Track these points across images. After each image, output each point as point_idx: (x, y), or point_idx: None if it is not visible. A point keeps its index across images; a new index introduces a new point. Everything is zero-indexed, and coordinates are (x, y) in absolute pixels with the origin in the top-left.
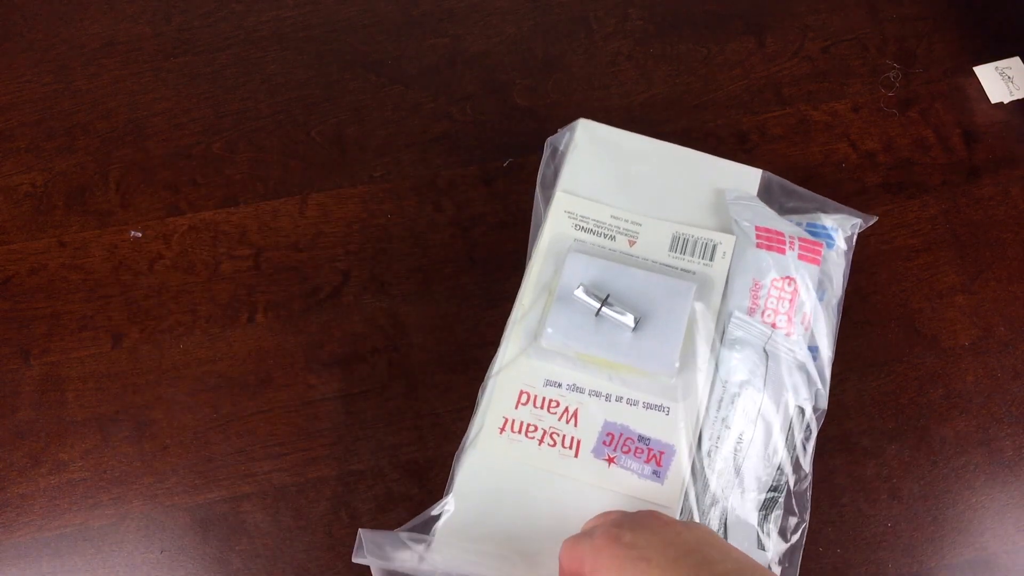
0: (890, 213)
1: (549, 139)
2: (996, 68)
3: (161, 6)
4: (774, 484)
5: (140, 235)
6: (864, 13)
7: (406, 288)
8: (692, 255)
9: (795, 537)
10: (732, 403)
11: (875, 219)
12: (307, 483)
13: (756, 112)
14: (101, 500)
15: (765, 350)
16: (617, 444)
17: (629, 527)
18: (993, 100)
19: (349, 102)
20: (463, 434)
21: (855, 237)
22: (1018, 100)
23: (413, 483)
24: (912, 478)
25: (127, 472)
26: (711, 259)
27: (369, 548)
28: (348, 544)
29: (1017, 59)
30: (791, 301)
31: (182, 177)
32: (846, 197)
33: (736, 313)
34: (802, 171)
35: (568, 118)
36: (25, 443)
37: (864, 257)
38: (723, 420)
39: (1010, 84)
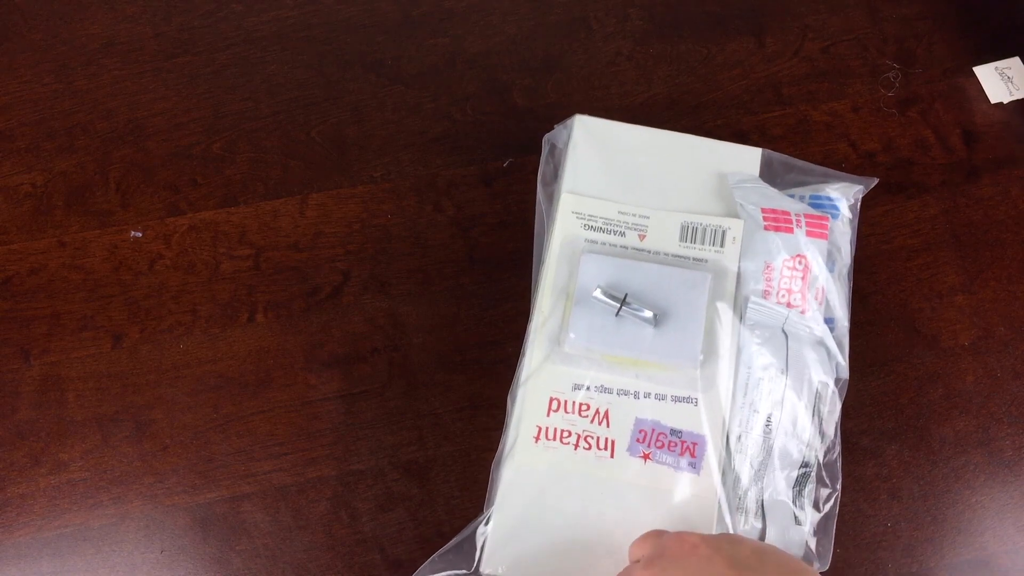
0: (890, 213)
1: (546, 136)
2: (996, 68)
3: (161, 6)
4: (805, 460)
5: (140, 235)
6: (864, 13)
7: (406, 288)
8: (703, 243)
9: (827, 506)
10: (757, 387)
11: (876, 181)
12: (307, 483)
13: (756, 112)
14: (101, 500)
15: (784, 331)
16: (650, 440)
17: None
18: (993, 100)
19: (349, 102)
20: (463, 434)
21: (859, 204)
22: (1018, 100)
23: (413, 483)
24: (912, 478)
25: (127, 472)
26: (722, 245)
27: None
28: (348, 544)
29: (1017, 59)
30: (803, 279)
31: (182, 177)
32: None
33: (752, 298)
34: None
35: (568, 118)
36: (25, 443)
37: (864, 257)
38: (750, 405)
39: (1010, 84)
